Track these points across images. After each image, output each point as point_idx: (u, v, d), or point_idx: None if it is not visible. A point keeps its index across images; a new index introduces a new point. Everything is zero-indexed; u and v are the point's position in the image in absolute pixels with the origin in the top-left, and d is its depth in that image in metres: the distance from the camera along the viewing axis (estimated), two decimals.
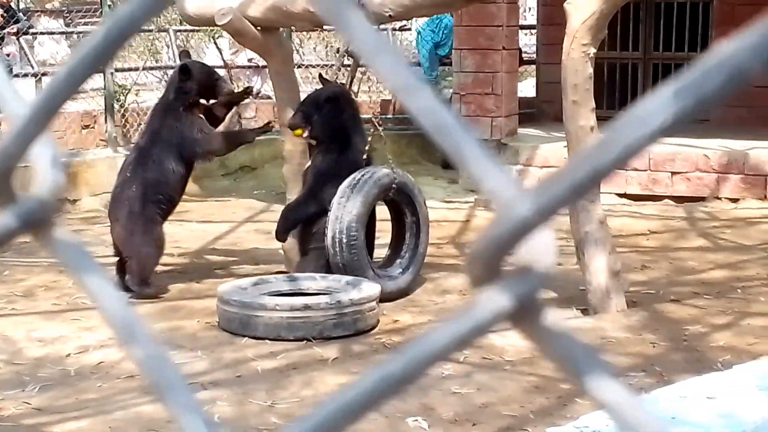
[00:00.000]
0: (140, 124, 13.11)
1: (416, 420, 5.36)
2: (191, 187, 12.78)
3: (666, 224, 9.82)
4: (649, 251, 8.48)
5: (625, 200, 10.82)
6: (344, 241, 7.14)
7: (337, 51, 16.46)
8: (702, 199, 10.90)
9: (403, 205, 7.56)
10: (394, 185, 7.43)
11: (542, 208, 0.54)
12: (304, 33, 16.32)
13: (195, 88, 7.75)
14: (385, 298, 6.96)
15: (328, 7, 0.57)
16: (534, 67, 15.23)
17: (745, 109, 12.77)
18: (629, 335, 6.32)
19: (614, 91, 13.45)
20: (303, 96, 8.45)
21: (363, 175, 7.35)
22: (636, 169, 10.94)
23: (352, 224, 7.13)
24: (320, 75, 8.99)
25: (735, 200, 10.71)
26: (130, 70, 13.89)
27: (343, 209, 7.15)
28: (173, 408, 0.67)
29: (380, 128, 7.98)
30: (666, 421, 4.44)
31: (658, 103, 0.52)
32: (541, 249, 0.55)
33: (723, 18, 12.77)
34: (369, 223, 7.47)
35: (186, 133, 7.61)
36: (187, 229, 10.03)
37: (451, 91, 13.47)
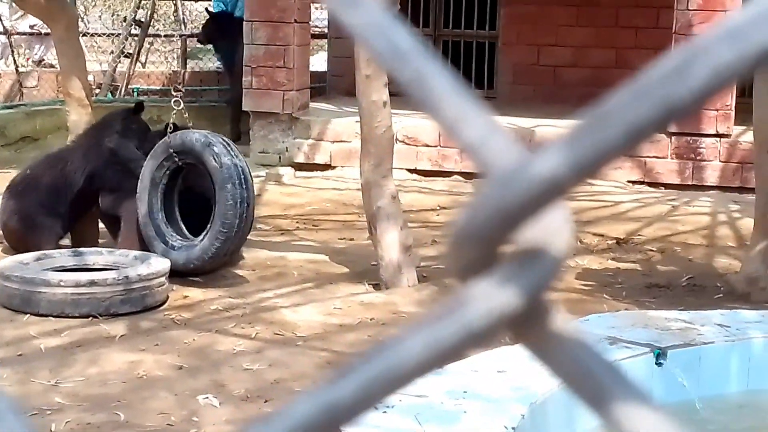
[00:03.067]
0: None
1: (207, 397, 5.40)
2: None
3: (455, 200, 10.09)
4: (439, 226, 8.71)
5: (415, 176, 11.04)
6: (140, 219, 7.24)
7: (125, 19, 16.11)
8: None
9: (200, 166, 7.27)
10: (171, 149, 7.24)
11: (578, 164, 0.39)
12: None
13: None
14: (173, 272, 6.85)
15: None
16: (325, 41, 15.41)
17: (531, 86, 13.27)
18: (421, 310, 6.49)
19: None
20: (88, 65, 8.30)
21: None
22: (426, 145, 11.21)
23: (138, 200, 7.21)
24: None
25: None
26: None
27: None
28: None
29: (178, 95, 7.75)
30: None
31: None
32: (555, 224, 0.40)
33: None
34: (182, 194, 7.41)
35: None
36: None
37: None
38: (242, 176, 6.98)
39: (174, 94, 7.72)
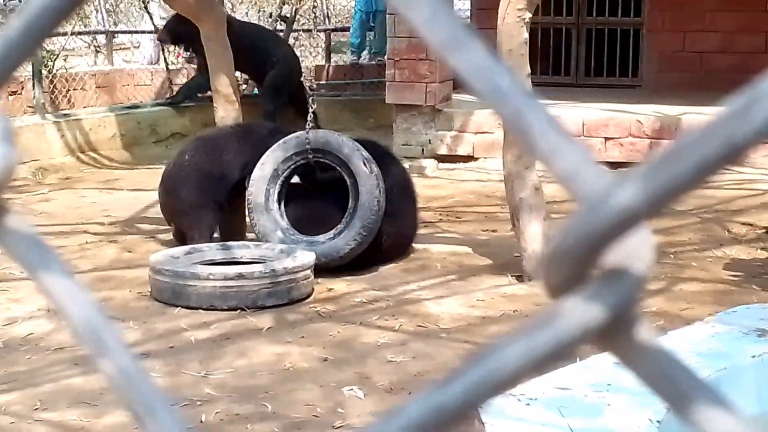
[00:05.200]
0: (68, 90, 13.35)
1: (351, 389, 5.44)
2: (122, 154, 12.99)
3: None
4: None
5: None
6: (248, 203, 7.34)
7: (270, 15, 16.36)
8: (634, 164, 11.19)
9: (338, 168, 7.43)
10: (308, 145, 7.37)
11: (653, 196, 0.43)
12: None
13: None
14: (320, 266, 6.97)
15: None
16: None
17: (677, 74, 13.02)
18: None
19: (548, 56, 13.63)
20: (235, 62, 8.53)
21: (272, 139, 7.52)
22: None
23: (251, 191, 7.26)
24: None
25: None
26: (58, 35, 14.01)
27: (251, 175, 7.39)
28: None
29: (314, 94, 7.96)
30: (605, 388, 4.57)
31: None
32: (638, 248, 0.45)
33: None
34: (310, 196, 7.48)
35: None
36: (118, 197, 10.03)
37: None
38: (381, 184, 7.21)
39: (309, 92, 7.87)
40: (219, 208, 7.75)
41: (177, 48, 14.63)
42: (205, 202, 7.70)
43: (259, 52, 12.81)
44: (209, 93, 9.25)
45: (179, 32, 12.75)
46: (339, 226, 7.22)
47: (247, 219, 7.52)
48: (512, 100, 0.46)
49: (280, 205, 7.37)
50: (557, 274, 0.46)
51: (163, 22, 14.77)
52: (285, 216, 7.40)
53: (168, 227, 8.16)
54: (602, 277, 0.44)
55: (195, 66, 13.64)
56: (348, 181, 7.21)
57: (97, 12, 16.13)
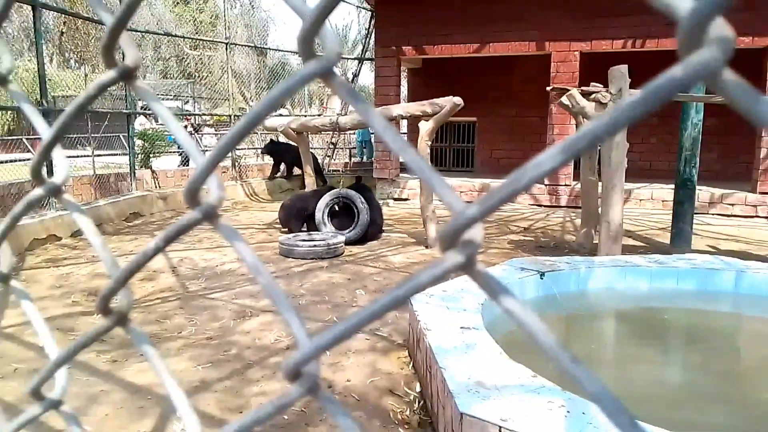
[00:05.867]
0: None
1: (360, 291, 7.71)
2: (267, 196, 19.63)
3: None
4: None
5: None
6: (317, 220, 12.03)
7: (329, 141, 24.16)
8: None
9: (352, 205, 12.02)
10: (340, 196, 11.93)
11: (483, 210, 0.66)
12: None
13: None
14: (347, 242, 11.39)
15: (360, 111, 0.72)
16: None
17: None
18: None
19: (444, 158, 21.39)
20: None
21: (325, 193, 12.14)
22: None
23: (317, 213, 11.89)
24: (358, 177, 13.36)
25: None
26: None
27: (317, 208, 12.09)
28: (285, 317, 0.85)
29: (341, 174, 12.64)
30: None
31: (548, 155, 0.64)
32: (476, 232, 0.67)
33: None
34: (340, 214, 12.05)
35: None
36: (271, 216, 14.85)
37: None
38: (368, 211, 11.59)
39: (340, 177, 12.95)
40: (305, 220, 12.51)
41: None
42: (298, 218, 12.55)
43: (297, 156, 18.88)
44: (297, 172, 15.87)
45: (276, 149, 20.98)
46: (351, 228, 11.79)
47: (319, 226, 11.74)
48: (426, 173, 0.70)
49: (328, 219, 12.09)
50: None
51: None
52: (330, 224, 12.08)
53: (284, 228, 12.72)
54: (462, 243, 0.68)
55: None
56: (355, 209, 11.80)
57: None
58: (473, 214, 0.70)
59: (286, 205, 13.28)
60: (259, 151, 22.49)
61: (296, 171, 21.15)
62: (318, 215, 12.33)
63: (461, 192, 18.32)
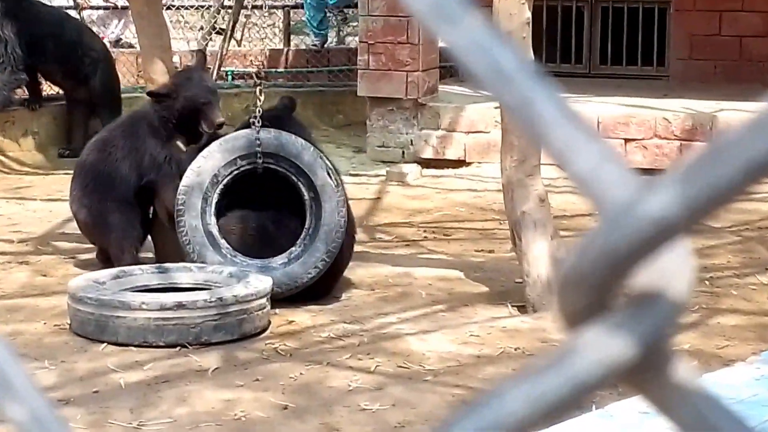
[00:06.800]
0: None
1: None
2: (34, 157, 13.48)
3: None
4: None
5: None
6: (186, 224, 7.73)
7: None
8: (661, 171, 11.54)
9: (293, 176, 7.70)
10: (258, 148, 7.63)
11: (692, 204, 0.43)
12: None
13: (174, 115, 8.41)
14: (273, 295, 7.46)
15: None
16: None
17: (711, 62, 13.29)
18: None
19: (555, 40, 14.10)
20: (173, 43, 8.83)
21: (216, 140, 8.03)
22: None
23: (178, 196, 7.72)
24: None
25: None
26: None
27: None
28: None
29: (261, 83, 8.35)
30: None
31: None
32: (673, 269, 0.45)
33: None
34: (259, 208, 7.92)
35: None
36: (29, 209, 10.63)
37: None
38: (347, 200, 7.70)
39: (257, 81, 8.26)
40: (148, 226, 8.49)
41: (106, 29, 15.25)
42: (129, 218, 8.60)
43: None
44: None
45: None
46: (294, 249, 7.63)
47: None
48: (517, 85, 0.46)
49: (218, 219, 7.80)
50: (572, 302, 0.47)
51: None
52: (229, 235, 7.86)
53: (90, 246, 8.89)
54: (629, 305, 0.45)
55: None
56: (306, 195, 7.55)
57: None
58: (665, 213, 0.43)
59: (89, 182, 8.84)
60: None
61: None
62: (187, 211, 7.83)
63: (622, 140, 12.10)
